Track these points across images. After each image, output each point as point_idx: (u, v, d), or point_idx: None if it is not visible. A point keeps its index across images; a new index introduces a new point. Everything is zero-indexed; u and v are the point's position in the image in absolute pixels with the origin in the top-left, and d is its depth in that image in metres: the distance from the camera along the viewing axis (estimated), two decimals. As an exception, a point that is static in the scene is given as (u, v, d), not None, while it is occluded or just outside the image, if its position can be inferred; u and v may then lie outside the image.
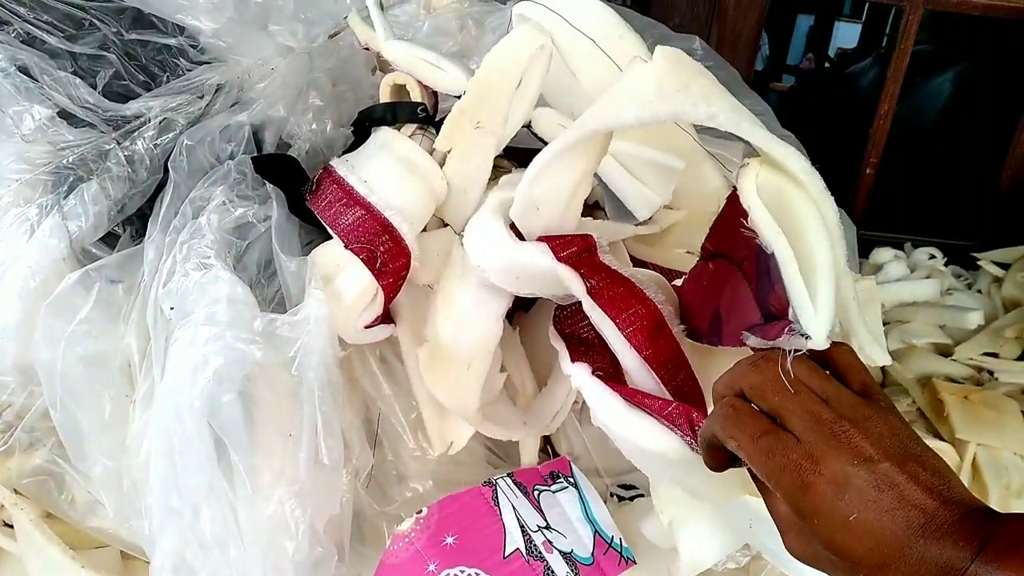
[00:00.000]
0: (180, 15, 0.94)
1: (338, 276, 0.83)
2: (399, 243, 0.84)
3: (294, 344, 0.78)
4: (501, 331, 0.88)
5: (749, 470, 0.59)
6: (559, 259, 0.75)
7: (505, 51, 0.84)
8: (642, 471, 0.78)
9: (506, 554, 0.80)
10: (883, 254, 1.74)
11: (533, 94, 0.86)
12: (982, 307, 1.59)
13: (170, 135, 0.90)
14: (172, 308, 0.79)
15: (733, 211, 0.65)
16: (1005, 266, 1.69)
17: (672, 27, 1.26)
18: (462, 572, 0.78)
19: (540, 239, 0.77)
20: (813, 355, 0.58)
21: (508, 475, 0.87)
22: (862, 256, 1.70)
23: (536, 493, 0.87)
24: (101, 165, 0.87)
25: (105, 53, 0.91)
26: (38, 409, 0.85)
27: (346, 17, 0.99)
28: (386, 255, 0.83)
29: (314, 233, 0.90)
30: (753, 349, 0.61)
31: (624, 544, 0.87)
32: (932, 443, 1.10)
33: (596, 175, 0.96)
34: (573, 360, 0.79)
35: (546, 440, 0.99)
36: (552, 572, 0.80)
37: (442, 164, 0.89)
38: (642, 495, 0.95)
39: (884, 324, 1.52)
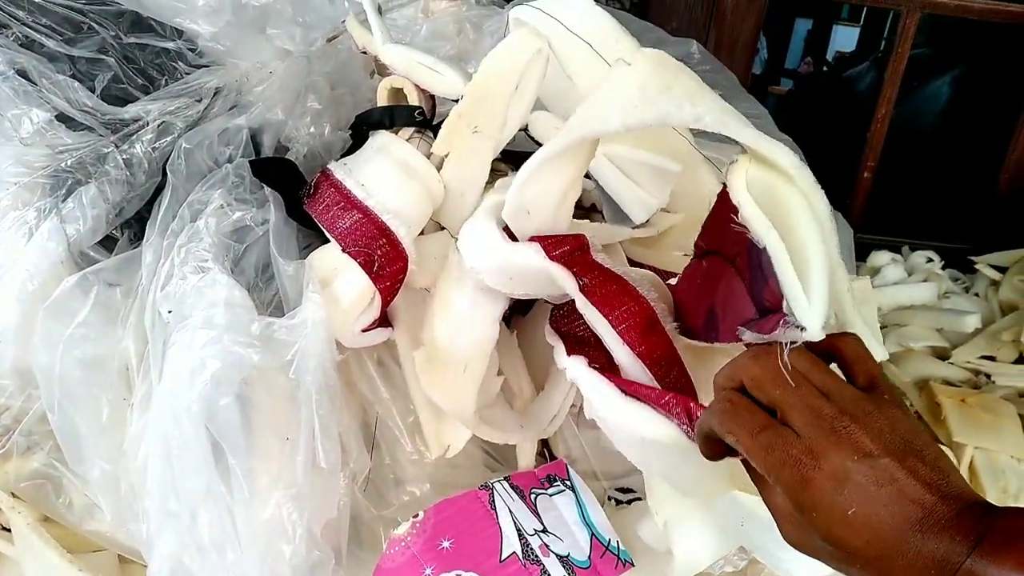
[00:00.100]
0: (178, 19, 0.94)
1: (335, 280, 0.83)
2: (396, 247, 0.84)
3: (291, 348, 0.78)
4: (497, 334, 0.88)
5: (746, 463, 0.59)
6: (551, 258, 0.75)
7: (502, 55, 0.85)
8: (636, 464, 0.77)
9: (502, 558, 0.80)
10: (880, 257, 1.74)
11: (530, 98, 0.87)
12: (979, 311, 1.59)
13: (168, 138, 0.90)
14: (170, 311, 0.79)
15: (724, 208, 0.65)
16: (1002, 269, 1.69)
17: (670, 31, 1.26)
18: (458, 576, 0.78)
19: (532, 239, 0.78)
20: (820, 346, 0.58)
21: (505, 479, 0.87)
22: (859, 259, 1.70)
23: (533, 496, 0.87)
24: (99, 168, 0.87)
25: (103, 56, 0.92)
26: (36, 412, 0.85)
27: (344, 21, 0.99)
28: (383, 259, 0.83)
29: (312, 237, 0.90)
30: (748, 345, 0.61)
31: (621, 547, 0.87)
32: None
33: (593, 178, 0.96)
34: (569, 354, 0.79)
35: (543, 444, 0.99)
36: (549, 575, 0.80)
37: (439, 168, 0.90)
38: (639, 498, 0.95)
39: (881, 327, 1.52)
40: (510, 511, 0.83)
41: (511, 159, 0.96)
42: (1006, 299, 1.62)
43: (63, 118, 0.88)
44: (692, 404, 0.67)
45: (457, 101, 0.87)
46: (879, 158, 1.80)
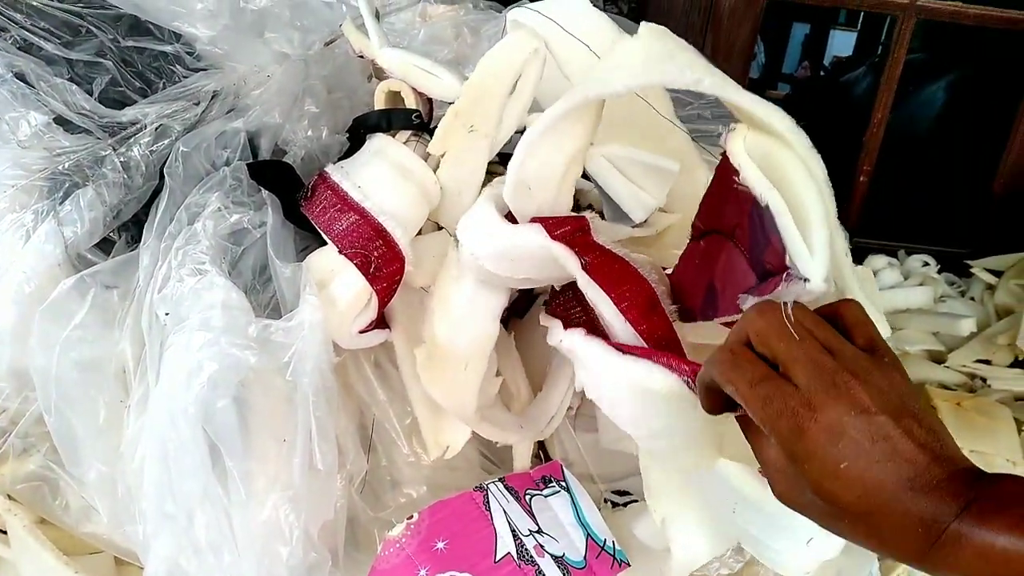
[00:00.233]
0: (176, 22, 0.94)
1: (332, 281, 0.83)
2: (393, 248, 0.84)
3: (289, 350, 0.78)
4: (498, 331, 0.88)
5: (740, 421, 0.60)
6: (553, 238, 0.76)
7: (499, 55, 0.85)
8: (628, 427, 0.75)
9: (497, 558, 0.80)
10: (876, 261, 1.74)
11: (527, 99, 0.87)
12: (975, 314, 1.59)
13: (166, 141, 0.90)
14: (167, 314, 0.80)
15: (723, 176, 0.67)
16: (998, 273, 1.70)
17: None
18: (453, 577, 0.78)
19: (534, 220, 0.78)
20: (822, 311, 0.59)
21: (499, 480, 0.87)
22: (856, 263, 1.70)
23: (528, 497, 0.87)
24: (97, 171, 0.87)
25: (102, 60, 0.92)
26: (32, 414, 0.85)
27: (341, 25, 0.99)
28: (380, 260, 0.83)
29: (309, 239, 0.91)
30: None
31: (617, 547, 0.87)
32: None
33: (592, 179, 0.96)
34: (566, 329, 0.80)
35: (540, 446, 0.99)
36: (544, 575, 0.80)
37: (436, 168, 0.90)
38: (635, 501, 0.95)
39: (878, 331, 1.52)
40: (505, 512, 0.83)
41: (508, 161, 0.96)
42: (1002, 303, 1.62)
43: (61, 121, 0.88)
44: (693, 364, 0.68)
45: (452, 104, 0.87)
46: (875, 162, 1.80)
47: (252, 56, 0.97)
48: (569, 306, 0.83)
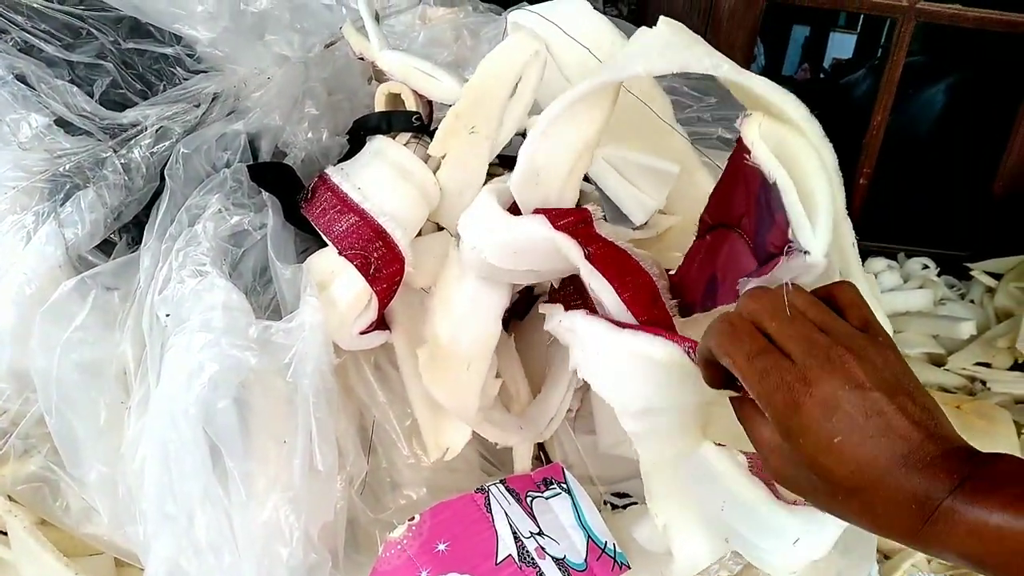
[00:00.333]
0: (177, 24, 0.94)
1: (333, 283, 0.83)
2: (393, 249, 0.84)
3: (289, 351, 0.78)
4: (500, 330, 0.88)
5: (734, 401, 0.61)
6: (556, 228, 0.76)
7: (500, 57, 0.85)
8: (624, 405, 0.75)
9: (498, 560, 0.80)
10: (876, 264, 1.74)
11: (527, 100, 0.87)
12: (975, 317, 1.59)
13: (166, 143, 0.90)
14: (168, 315, 0.80)
15: (736, 159, 0.68)
16: (998, 276, 1.70)
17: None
18: (454, 579, 0.78)
19: (537, 211, 0.78)
20: (817, 293, 0.60)
21: (500, 482, 0.87)
22: (856, 266, 1.71)
23: (529, 499, 0.87)
24: (98, 173, 0.87)
25: (102, 62, 0.92)
26: (33, 416, 0.85)
27: (341, 27, 0.99)
28: (380, 261, 0.83)
29: (309, 241, 0.91)
30: None
31: (618, 549, 0.87)
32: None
33: (592, 181, 0.97)
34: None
35: (540, 448, 0.99)
36: (545, 578, 0.80)
37: (436, 169, 0.90)
38: (635, 503, 0.95)
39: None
40: (506, 514, 0.84)
41: (507, 164, 0.96)
42: (1001, 306, 1.63)
43: (62, 123, 0.88)
44: (693, 341, 0.68)
45: (453, 106, 0.87)
46: (875, 165, 1.80)
47: (252, 58, 0.97)
48: (570, 299, 0.83)
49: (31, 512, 0.86)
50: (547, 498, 0.88)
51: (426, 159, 0.91)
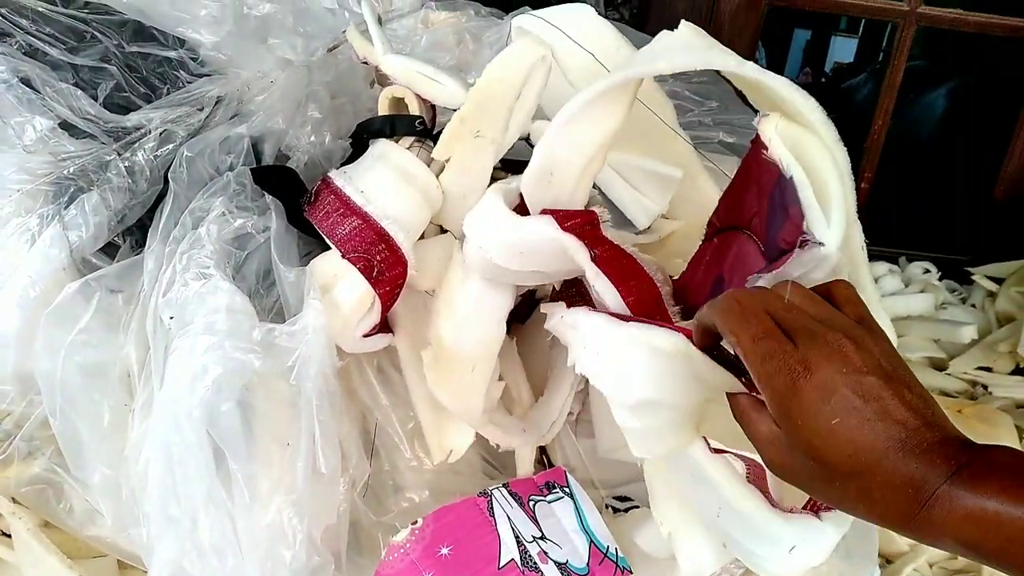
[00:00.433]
0: (181, 28, 0.95)
1: (336, 286, 0.83)
2: (395, 252, 0.84)
3: (292, 354, 0.78)
4: (503, 333, 0.88)
5: (731, 397, 0.62)
6: (563, 230, 0.76)
7: (506, 62, 0.85)
8: (623, 395, 0.73)
9: (501, 564, 0.80)
10: (877, 268, 1.74)
11: (531, 105, 0.87)
12: (976, 321, 1.60)
13: (170, 146, 0.90)
14: (171, 318, 0.80)
15: (752, 155, 0.69)
16: (999, 280, 1.70)
17: (668, 42, 1.26)
18: (457, 582, 0.78)
19: (544, 212, 0.78)
20: (814, 290, 0.61)
21: (503, 485, 0.87)
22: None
23: (531, 503, 0.87)
24: (102, 176, 0.88)
25: (106, 65, 0.92)
26: (37, 418, 0.85)
27: (345, 31, 0.99)
28: (383, 264, 0.84)
29: (313, 244, 0.91)
30: None
31: (620, 554, 0.87)
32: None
33: (596, 185, 0.97)
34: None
35: (542, 452, 0.99)
36: (547, 582, 0.80)
37: (440, 174, 0.90)
38: (637, 506, 0.95)
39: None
40: (508, 518, 0.84)
41: (510, 167, 0.96)
42: (1003, 310, 1.63)
43: (66, 126, 0.88)
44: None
45: (458, 110, 0.88)
46: (876, 169, 1.81)
47: (256, 62, 0.98)
48: (572, 301, 0.83)
49: (35, 514, 0.86)
50: (550, 502, 0.88)
51: (429, 163, 0.91)
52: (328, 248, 0.86)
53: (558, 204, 0.80)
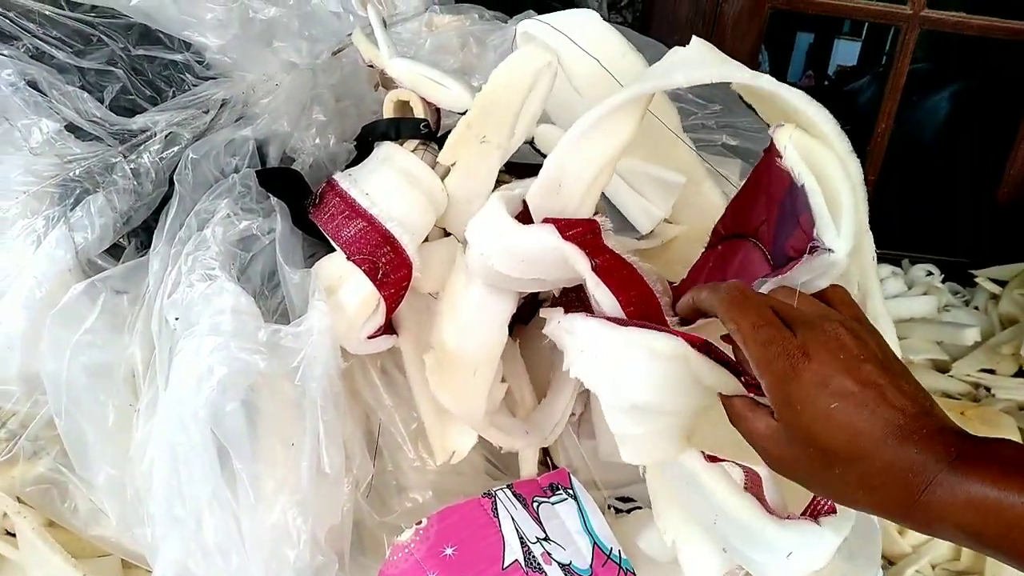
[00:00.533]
0: (186, 31, 0.95)
1: (341, 287, 0.84)
2: (400, 254, 0.85)
3: (297, 355, 0.79)
4: (506, 336, 0.88)
5: (725, 400, 0.62)
6: (565, 239, 0.76)
7: (513, 67, 0.85)
8: (621, 397, 0.73)
9: (505, 565, 0.80)
10: (881, 271, 1.74)
11: (536, 110, 0.88)
12: (979, 324, 1.60)
13: (176, 149, 0.91)
14: (177, 318, 0.80)
15: (765, 163, 0.70)
16: (1002, 283, 1.70)
17: (671, 46, 1.27)
18: (461, 582, 0.78)
19: (546, 220, 0.79)
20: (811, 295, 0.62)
21: (507, 487, 0.88)
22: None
23: (535, 505, 0.87)
24: (107, 178, 0.88)
25: (112, 68, 0.93)
26: (42, 418, 0.86)
27: (350, 34, 1.00)
28: (388, 266, 0.84)
29: (317, 246, 0.91)
30: None
31: (623, 555, 0.87)
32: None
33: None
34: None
35: (545, 453, 1.00)
36: (550, 582, 0.81)
37: (444, 177, 0.90)
38: (639, 507, 0.96)
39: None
40: (512, 519, 0.84)
41: (514, 171, 0.97)
42: (1006, 312, 1.63)
43: (72, 128, 0.89)
44: (693, 335, 0.69)
45: (463, 114, 0.88)
46: (879, 171, 1.81)
47: (261, 65, 0.98)
48: (571, 307, 0.83)
49: (40, 514, 0.87)
50: (553, 504, 0.88)
51: (433, 166, 0.91)
52: (333, 250, 0.86)
53: (565, 214, 0.80)
